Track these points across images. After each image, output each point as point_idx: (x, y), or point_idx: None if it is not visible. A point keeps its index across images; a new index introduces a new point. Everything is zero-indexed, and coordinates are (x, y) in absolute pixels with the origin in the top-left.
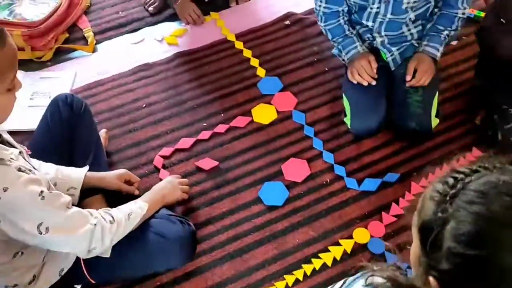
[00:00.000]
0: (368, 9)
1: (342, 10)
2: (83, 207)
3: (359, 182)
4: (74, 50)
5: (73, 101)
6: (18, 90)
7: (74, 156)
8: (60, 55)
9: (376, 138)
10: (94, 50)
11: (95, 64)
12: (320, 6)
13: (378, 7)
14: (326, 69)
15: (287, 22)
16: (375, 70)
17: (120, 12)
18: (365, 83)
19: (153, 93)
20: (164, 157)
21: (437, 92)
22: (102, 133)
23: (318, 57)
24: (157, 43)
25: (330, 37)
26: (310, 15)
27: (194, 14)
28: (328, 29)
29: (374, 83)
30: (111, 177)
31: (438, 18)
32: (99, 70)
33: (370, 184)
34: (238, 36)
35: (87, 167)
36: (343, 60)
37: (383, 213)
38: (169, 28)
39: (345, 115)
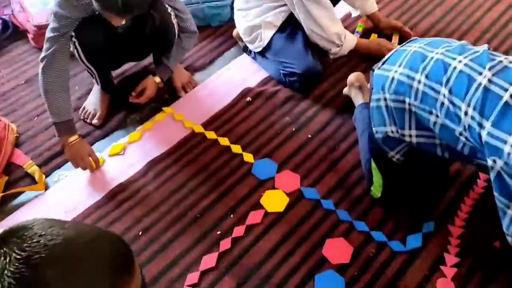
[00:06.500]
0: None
1: None
2: None
3: (402, 242)
4: (22, 192)
5: None
6: None
7: None
8: (6, 205)
9: None
10: (46, 187)
11: (55, 203)
12: None
13: None
14: (309, 135)
15: (249, 99)
16: None
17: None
18: None
19: (144, 215)
20: (194, 286)
21: None
22: None
23: (295, 127)
24: (117, 157)
25: None
26: (265, 86)
27: (87, 158)
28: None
29: None
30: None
31: None
32: (65, 208)
33: (414, 240)
34: (205, 126)
35: None
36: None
37: (441, 267)
38: (122, 136)
39: (372, 183)
